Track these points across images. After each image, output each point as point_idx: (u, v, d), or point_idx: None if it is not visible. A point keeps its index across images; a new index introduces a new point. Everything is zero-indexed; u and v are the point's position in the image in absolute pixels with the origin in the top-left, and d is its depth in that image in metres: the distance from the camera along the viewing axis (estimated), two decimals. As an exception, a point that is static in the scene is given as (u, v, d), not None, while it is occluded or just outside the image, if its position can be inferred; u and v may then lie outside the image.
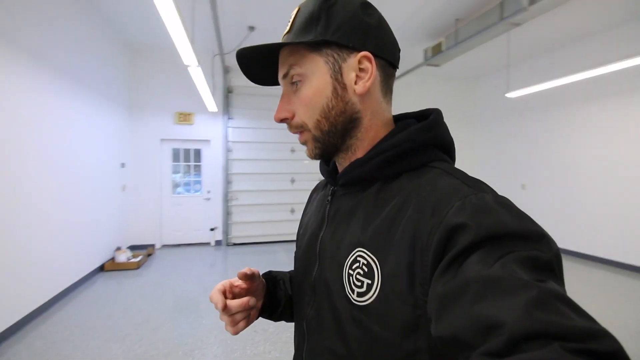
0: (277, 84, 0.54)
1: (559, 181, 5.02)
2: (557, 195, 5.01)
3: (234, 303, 0.50)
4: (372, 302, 0.40)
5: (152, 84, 5.12)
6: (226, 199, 5.49)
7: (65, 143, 3.24)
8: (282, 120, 0.49)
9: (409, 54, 5.06)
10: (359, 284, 0.42)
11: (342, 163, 0.52)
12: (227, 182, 5.50)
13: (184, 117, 5.28)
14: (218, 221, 5.52)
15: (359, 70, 0.46)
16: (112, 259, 4.27)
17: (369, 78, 0.46)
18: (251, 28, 4.33)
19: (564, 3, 2.98)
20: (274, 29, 4.30)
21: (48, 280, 2.97)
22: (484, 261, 0.30)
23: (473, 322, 0.27)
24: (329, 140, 0.48)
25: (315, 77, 0.46)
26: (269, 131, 5.63)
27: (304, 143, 0.50)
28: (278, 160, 5.73)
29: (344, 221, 0.49)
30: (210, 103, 4.59)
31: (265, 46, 0.45)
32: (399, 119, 0.52)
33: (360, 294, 0.42)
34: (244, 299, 0.50)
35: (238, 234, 5.59)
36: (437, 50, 4.46)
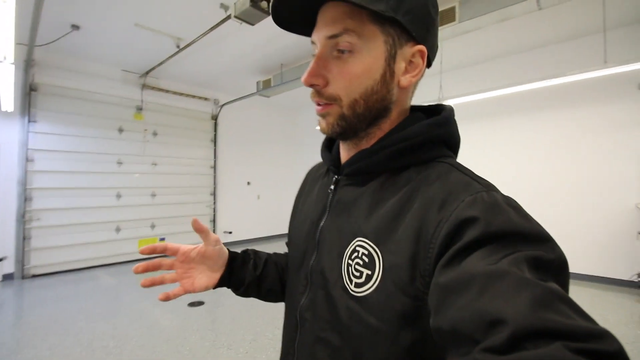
0: (299, 32, 0.49)
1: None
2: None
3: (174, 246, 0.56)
4: (370, 293, 0.39)
5: None
6: (22, 220, 4.40)
7: None
8: (311, 86, 0.45)
9: (246, 83, 5.80)
10: (357, 274, 0.41)
11: (350, 149, 0.49)
12: (25, 199, 4.44)
13: (-51, 114, 3.96)
14: (8, 249, 4.33)
15: (409, 62, 0.44)
16: None
17: (417, 74, 0.44)
18: (75, 27, 3.90)
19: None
20: (102, 30, 4.06)
21: None
22: (491, 257, 0.30)
23: (475, 317, 0.27)
24: (356, 123, 0.45)
25: (370, 54, 0.42)
26: (87, 140, 4.93)
27: (323, 114, 0.46)
28: (100, 173, 5.07)
29: (346, 211, 0.47)
30: (6, 100, 3.74)
31: None
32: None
33: (358, 285, 0.41)
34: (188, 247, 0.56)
35: (41, 262, 4.54)
36: (267, 84, 5.39)
